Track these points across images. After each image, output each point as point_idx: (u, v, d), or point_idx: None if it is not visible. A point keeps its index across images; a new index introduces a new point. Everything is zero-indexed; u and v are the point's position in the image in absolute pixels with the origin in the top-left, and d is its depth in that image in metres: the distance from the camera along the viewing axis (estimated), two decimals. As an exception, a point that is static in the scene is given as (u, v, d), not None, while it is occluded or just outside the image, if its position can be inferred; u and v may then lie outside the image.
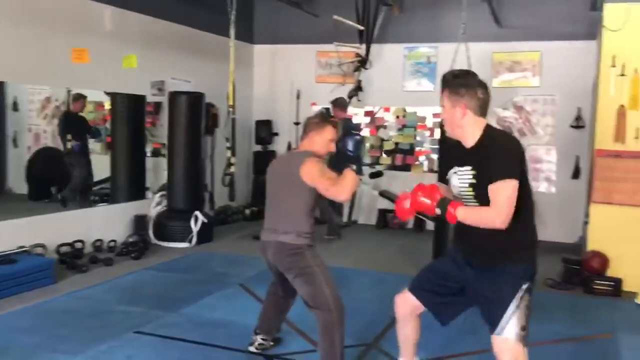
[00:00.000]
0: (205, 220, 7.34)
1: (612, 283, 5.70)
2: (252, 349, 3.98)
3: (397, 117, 9.01)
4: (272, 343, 4.04)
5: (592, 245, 6.04)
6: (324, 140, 3.66)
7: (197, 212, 7.29)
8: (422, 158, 8.95)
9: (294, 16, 9.00)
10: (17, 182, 7.22)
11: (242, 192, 9.14)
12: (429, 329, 4.54)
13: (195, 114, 7.46)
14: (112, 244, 6.72)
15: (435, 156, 8.60)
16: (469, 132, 2.81)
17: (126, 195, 7.46)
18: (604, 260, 5.88)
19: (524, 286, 2.73)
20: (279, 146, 9.56)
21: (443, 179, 3.14)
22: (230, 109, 7.66)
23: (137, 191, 7.61)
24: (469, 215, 2.75)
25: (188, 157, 7.44)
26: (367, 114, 9.13)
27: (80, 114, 7.35)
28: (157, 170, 7.92)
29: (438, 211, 2.81)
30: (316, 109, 8.95)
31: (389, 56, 8.87)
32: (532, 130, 8.25)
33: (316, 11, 8.81)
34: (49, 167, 7.40)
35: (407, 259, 6.82)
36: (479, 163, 2.72)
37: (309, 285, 3.49)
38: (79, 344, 4.03)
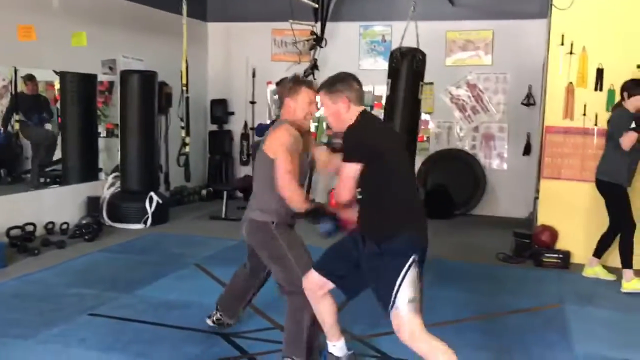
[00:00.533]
0: (160, 201, 7.26)
1: (560, 256, 5.88)
2: (209, 322, 3.94)
3: (354, 95, 9.02)
4: (230, 322, 3.96)
5: (541, 219, 6.21)
6: (300, 104, 3.33)
7: (152, 193, 7.20)
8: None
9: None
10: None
11: (198, 172, 9.06)
12: (358, 307, 4.60)
13: (148, 94, 7.33)
14: (64, 226, 6.58)
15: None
16: (349, 122, 3.00)
17: (78, 176, 7.31)
18: (553, 234, 6.06)
19: (407, 261, 2.84)
20: (234, 125, 9.49)
21: None
22: (184, 88, 7.56)
23: (90, 172, 7.47)
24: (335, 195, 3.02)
25: (141, 138, 7.32)
26: (323, 92, 9.10)
27: (39, 93, 7.20)
28: (110, 151, 7.78)
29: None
30: (272, 87, 8.89)
31: (344, 34, 8.86)
32: (485, 108, 8.39)
33: (271, -12, 8.72)
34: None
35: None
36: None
37: (280, 269, 3.34)
38: (30, 328, 3.96)
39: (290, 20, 8.34)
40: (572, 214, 6.00)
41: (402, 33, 6.52)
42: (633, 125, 4.92)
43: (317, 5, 8.41)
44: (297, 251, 3.34)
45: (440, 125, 8.60)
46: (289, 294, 3.32)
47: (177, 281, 5.12)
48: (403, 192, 2.98)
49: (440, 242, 6.56)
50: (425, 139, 8.51)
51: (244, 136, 9.41)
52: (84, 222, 6.69)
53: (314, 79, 8.72)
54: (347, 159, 2.90)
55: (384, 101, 8.80)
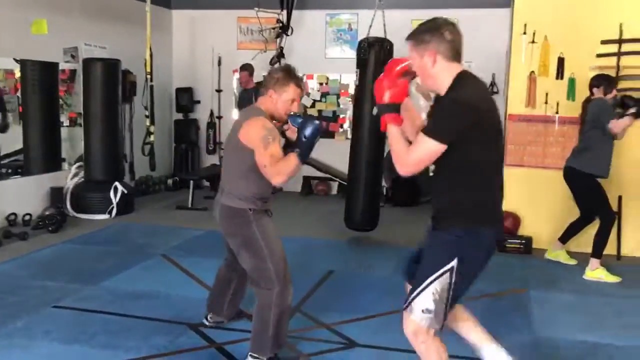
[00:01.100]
0: (125, 191, 7.18)
1: (523, 241, 6.00)
2: (206, 322, 3.86)
3: (321, 84, 9.03)
4: (222, 319, 3.84)
5: (505, 206, 6.29)
6: (283, 100, 3.22)
7: (117, 183, 7.12)
8: (345, 125, 9.03)
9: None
10: None
11: (163, 161, 8.98)
12: (350, 294, 4.66)
13: (111, 82, 7.22)
14: (27, 217, 6.47)
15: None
16: (440, 81, 2.50)
17: (41, 167, 7.19)
18: (516, 220, 6.17)
19: (449, 264, 2.47)
20: (200, 114, 9.41)
21: None
22: (148, 76, 7.46)
23: (53, 162, 7.34)
24: (393, 139, 2.53)
25: (105, 127, 7.21)
26: (289, 81, 9.10)
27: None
28: (73, 141, 7.65)
29: (375, 110, 2.60)
30: (238, 76, 8.82)
31: (310, 23, 8.84)
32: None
33: (236, -24, 8.64)
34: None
35: (331, 224, 6.93)
36: (431, 116, 2.55)
37: (250, 258, 3.23)
38: (-7, 321, 3.90)
39: (256, 8, 8.29)
40: (535, 200, 6.12)
41: (368, 22, 6.53)
42: (632, 110, 5.05)
43: (283, -7, 8.37)
44: (271, 243, 3.24)
45: (406, 113, 8.66)
46: (257, 286, 3.26)
47: (143, 272, 5.08)
48: (486, 183, 2.58)
49: (407, 229, 6.65)
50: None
51: (210, 125, 9.34)
52: (47, 213, 6.58)
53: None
54: (429, 132, 2.41)
55: (350, 90, 8.89)
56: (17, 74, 7.16)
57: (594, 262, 5.24)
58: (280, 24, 8.52)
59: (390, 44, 6.16)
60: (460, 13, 8.22)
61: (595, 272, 5.21)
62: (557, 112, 6.02)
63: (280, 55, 8.66)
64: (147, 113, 7.63)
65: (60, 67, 7.34)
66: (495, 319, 4.18)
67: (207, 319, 3.87)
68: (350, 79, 8.85)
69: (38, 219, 6.45)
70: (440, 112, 2.51)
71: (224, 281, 3.77)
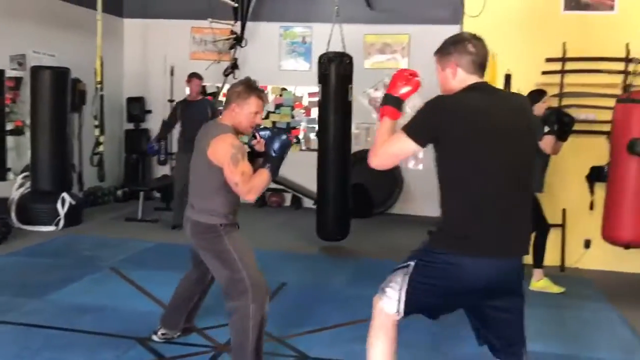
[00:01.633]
0: (73, 202, 7.03)
1: (472, 253, 6.11)
2: (155, 337, 3.77)
3: (275, 96, 9.05)
4: (174, 335, 3.78)
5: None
6: (245, 113, 3.21)
7: (64, 194, 6.96)
8: (300, 136, 9.07)
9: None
10: None
11: (113, 172, 8.82)
12: (303, 306, 4.67)
13: (60, 91, 7.08)
14: (-32, 229, 6.26)
15: (312, 135, 8.77)
16: (455, 92, 2.50)
17: (-16, 177, 6.97)
18: (464, 232, 6.28)
19: (412, 262, 2.50)
20: (152, 124, 9.29)
21: None
22: (99, 86, 7.34)
23: (-3, 172, 7.13)
24: (382, 130, 2.60)
25: (53, 136, 7.05)
26: (243, 92, 9.09)
27: None
28: (19, 150, 7.44)
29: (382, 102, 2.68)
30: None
31: (264, 35, 8.86)
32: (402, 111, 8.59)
33: (190, -14, 8.61)
34: None
35: (285, 236, 6.93)
36: None
37: (224, 270, 3.20)
38: None
39: (210, 19, 8.26)
40: (483, 213, 6.25)
41: (322, 35, 6.60)
42: (546, 129, 5.19)
43: (236, 5, 8.37)
44: (244, 254, 3.23)
45: (359, 126, 8.74)
46: (232, 300, 3.20)
47: (91, 285, 4.98)
48: (461, 202, 2.43)
49: (359, 240, 6.71)
50: (344, 139, 8.64)
51: (162, 135, 9.23)
52: (-10, 224, 6.37)
53: (234, 78, 8.70)
54: (404, 127, 2.48)
55: (304, 102, 8.94)
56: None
57: (537, 272, 5.39)
58: (235, 35, 8.52)
59: (350, 58, 6.25)
60: (412, 29, 8.43)
61: (540, 283, 5.36)
62: (504, 127, 6.17)
63: (234, 66, 8.65)
64: (96, 122, 7.50)
65: (7, 75, 7.14)
66: (442, 331, 4.25)
67: (157, 334, 3.79)
68: (304, 91, 8.91)
69: (-20, 231, 6.24)
70: (417, 112, 2.53)
71: (184, 296, 3.71)
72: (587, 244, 6.05)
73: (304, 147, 9.01)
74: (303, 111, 9.03)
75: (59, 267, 5.43)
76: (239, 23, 8.52)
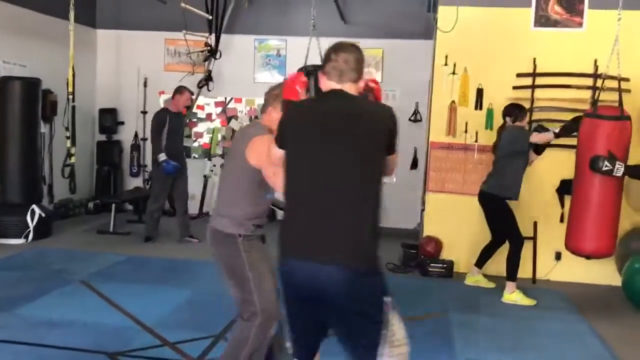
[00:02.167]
0: (43, 214, 6.91)
1: (444, 265, 6.17)
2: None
3: (250, 108, 9.04)
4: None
5: (427, 230, 6.49)
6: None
7: (34, 206, 6.85)
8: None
9: (140, 1, 8.71)
10: None
11: (84, 184, 8.70)
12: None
13: (30, 101, 6.99)
14: None
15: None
16: None
17: (-49, 188, 6.82)
18: (437, 244, 6.35)
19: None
20: (124, 135, 9.21)
21: None
22: (70, 97, 7.24)
23: (-36, 184, 6.98)
24: None
25: (23, 147, 6.95)
26: (217, 104, 9.07)
27: None
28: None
29: None
30: (165, 97, 8.71)
31: (239, 47, 8.86)
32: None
33: (164, -3, 8.58)
34: None
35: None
36: None
37: (236, 287, 3.07)
38: None
39: (184, 31, 8.23)
40: (455, 225, 6.32)
41: (296, 48, 6.63)
42: (556, 130, 5.32)
43: (211, 17, 8.36)
44: (260, 275, 3.06)
45: (333, 139, 8.78)
46: (242, 317, 3.08)
47: (60, 299, 4.89)
48: (288, 199, 2.50)
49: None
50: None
51: (135, 147, 9.15)
52: (-44, 237, 6.24)
53: (208, 90, 8.69)
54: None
55: (278, 114, 8.93)
56: None
57: (510, 285, 5.44)
58: (209, 47, 8.50)
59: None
60: (385, 43, 8.51)
61: (512, 295, 5.41)
62: (476, 141, 6.27)
63: (208, 78, 8.64)
64: (68, 134, 7.40)
65: (-25, 85, 7.03)
66: (416, 343, 4.25)
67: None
68: (278, 104, 8.90)
69: (-54, 244, 6.11)
70: None
71: None
72: (558, 256, 6.14)
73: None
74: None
75: (28, 280, 5.33)
76: (213, 35, 8.51)
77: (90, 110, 9.02)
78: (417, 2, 8.16)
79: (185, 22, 7.97)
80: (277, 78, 8.80)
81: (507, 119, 5.57)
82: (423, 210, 6.89)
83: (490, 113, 6.19)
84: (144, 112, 9.00)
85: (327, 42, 7.90)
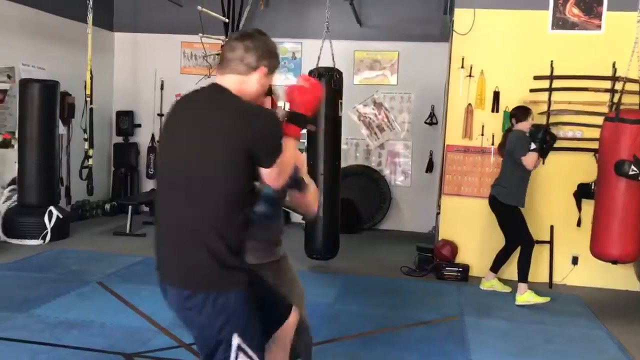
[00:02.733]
0: (61, 216, 6.97)
1: (460, 269, 6.13)
2: None
3: (263, 110, 9.07)
4: None
5: (443, 234, 6.46)
6: None
7: (52, 207, 6.91)
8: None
9: (157, 4, 8.76)
10: None
11: (101, 185, 8.77)
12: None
13: (49, 103, 7.05)
14: (-47, 242, 6.20)
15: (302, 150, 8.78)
16: None
17: (-30, 189, 6.91)
18: (453, 248, 6.31)
19: None
20: (141, 138, 9.27)
21: None
22: (88, 99, 7.32)
23: (-17, 185, 7.07)
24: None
25: (41, 149, 7.01)
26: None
27: None
28: (5, 163, 7.39)
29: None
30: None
31: (254, 50, 8.88)
32: (390, 126, 8.66)
33: (180, 1, 8.63)
34: None
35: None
36: None
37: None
38: None
39: (200, 34, 8.28)
40: (471, 229, 6.29)
41: (312, 51, 6.63)
42: (533, 146, 5.26)
43: (227, 20, 8.40)
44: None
45: (348, 142, 8.77)
46: None
47: (78, 300, 4.93)
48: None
49: (347, 256, 6.69)
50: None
51: (151, 149, 9.21)
52: (-24, 238, 6.32)
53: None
54: None
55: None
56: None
57: (522, 286, 5.42)
58: (225, 50, 8.54)
59: (340, 73, 6.27)
60: (401, 45, 8.50)
61: (524, 296, 5.39)
62: (492, 144, 6.23)
63: (224, 81, 8.68)
64: (85, 136, 7.47)
65: (-5, 87, 7.13)
66: (430, 347, 4.26)
67: None
68: (293, 107, 8.92)
69: (-34, 244, 6.19)
70: None
71: None
72: (575, 261, 6.09)
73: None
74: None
75: (46, 281, 5.38)
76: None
77: (107, 112, 9.10)
78: (433, 5, 8.15)
79: (201, 25, 8.03)
80: (292, 81, 8.82)
81: (513, 120, 5.55)
82: (438, 213, 6.87)
83: (507, 116, 6.13)
84: (161, 115, 9.05)
85: (342, 45, 7.98)
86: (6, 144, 7.39)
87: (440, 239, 6.46)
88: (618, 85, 5.81)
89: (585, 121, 5.98)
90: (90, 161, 7.45)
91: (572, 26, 6.07)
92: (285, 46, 8.92)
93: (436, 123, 8.39)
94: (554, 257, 6.08)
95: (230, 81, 2.20)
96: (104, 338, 4.03)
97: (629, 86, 5.18)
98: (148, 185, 9.24)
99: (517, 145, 5.36)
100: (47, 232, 6.82)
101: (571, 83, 6.03)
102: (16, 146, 7.12)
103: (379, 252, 7.32)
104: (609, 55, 5.92)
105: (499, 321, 4.96)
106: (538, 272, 5.94)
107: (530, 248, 5.43)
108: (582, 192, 5.87)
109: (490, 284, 5.79)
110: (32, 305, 4.65)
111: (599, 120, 5.33)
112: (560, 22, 6.08)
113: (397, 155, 8.68)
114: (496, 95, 6.21)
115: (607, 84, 5.96)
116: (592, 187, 5.58)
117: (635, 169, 4.71)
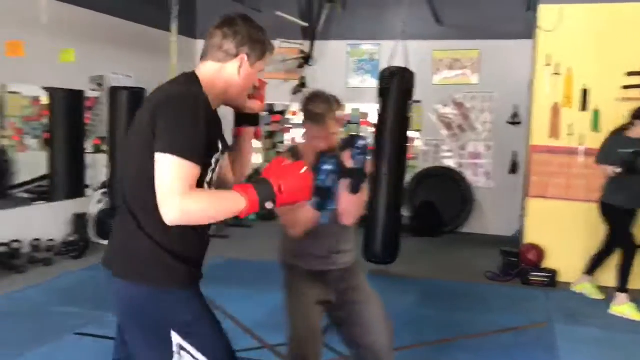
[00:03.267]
0: (148, 218, 7.20)
1: (548, 274, 5.91)
2: None
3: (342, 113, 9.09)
4: None
5: (528, 238, 6.25)
6: None
7: (140, 210, 7.15)
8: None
9: (237, 11, 8.93)
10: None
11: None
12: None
13: (136, 110, 7.30)
14: (50, 243, 6.53)
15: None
16: None
17: (65, 193, 7.25)
18: (540, 252, 6.10)
19: None
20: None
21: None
22: (173, 105, 7.55)
23: (77, 189, 7.41)
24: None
25: (129, 154, 7.28)
26: (311, 110, 9.18)
27: None
28: (97, 167, 7.74)
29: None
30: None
31: (332, 53, 8.92)
32: (471, 127, 8.47)
33: (259, 7, 8.77)
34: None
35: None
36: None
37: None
38: (17, 346, 3.92)
39: (280, 40, 8.40)
40: (559, 232, 6.05)
41: (389, 52, 6.58)
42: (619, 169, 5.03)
43: (306, 24, 8.48)
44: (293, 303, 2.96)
45: (428, 143, 8.66)
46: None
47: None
48: None
49: (428, 260, 6.60)
50: (413, 156, 8.56)
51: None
52: (70, 239, 6.64)
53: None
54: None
55: (370, 119, 8.92)
56: (43, 101, 7.30)
57: (621, 296, 5.13)
58: (303, 54, 8.62)
59: (411, 74, 6.19)
60: (481, 44, 8.31)
61: (622, 308, 5.10)
62: (580, 144, 5.98)
63: (302, 85, 8.75)
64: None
65: (86, 95, 7.47)
66: (517, 354, 4.13)
67: None
68: (370, 108, 8.88)
69: (61, 245, 6.50)
70: None
71: None
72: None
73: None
74: (370, 129, 9.00)
75: (135, 281, 5.56)
76: (307, 42, 8.62)
77: (190, 117, 9.36)
78: (515, 2, 7.92)
79: (279, 29, 8.14)
80: (369, 83, 8.80)
81: (635, 121, 5.15)
82: (522, 216, 6.65)
83: (596, 115, 5.89)
84: (241, 119, 9.24)
85: (420, 45, 7.89)
86: (97, 149, 7.75)
87: (525, 242, 6.26)
88: None
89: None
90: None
91: (670, 18, 5.74)
92: (363, 48, 8.91)
93: (520, 123, 8.14)
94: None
95: (204, 69, 2.03)
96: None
97: None
98: (229, 188, 9.43)
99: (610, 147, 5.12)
100: (135, 234, 7.05)
101: (667, 78, 5.71)
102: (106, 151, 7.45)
103: (461, 256, 7.17)
104: None
105: (592, 329, 4.74)
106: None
107: (632, 254, 5.10)
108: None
109: (582, 286, 5.55)
110: (110, 307, 4.81)
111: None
112: (655, 15, 5.76)
113: (478, 156, 8.49)
114: (584, 93, 5.96)
115: None
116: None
117: None
